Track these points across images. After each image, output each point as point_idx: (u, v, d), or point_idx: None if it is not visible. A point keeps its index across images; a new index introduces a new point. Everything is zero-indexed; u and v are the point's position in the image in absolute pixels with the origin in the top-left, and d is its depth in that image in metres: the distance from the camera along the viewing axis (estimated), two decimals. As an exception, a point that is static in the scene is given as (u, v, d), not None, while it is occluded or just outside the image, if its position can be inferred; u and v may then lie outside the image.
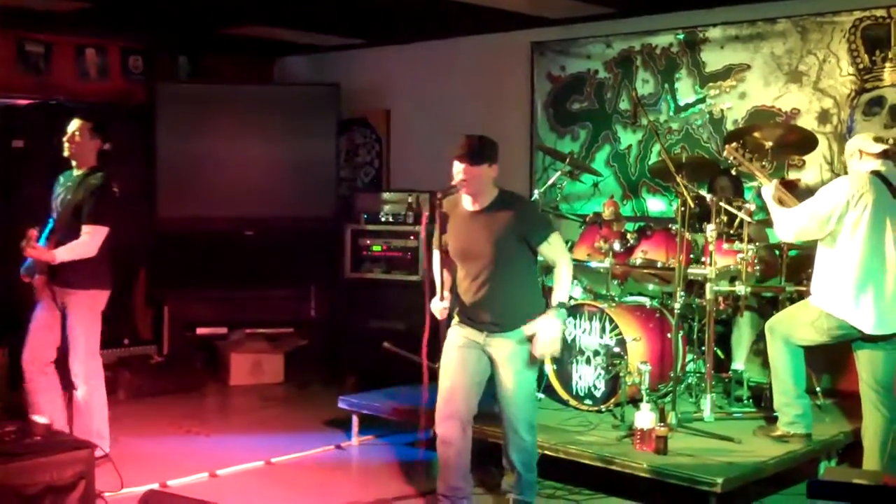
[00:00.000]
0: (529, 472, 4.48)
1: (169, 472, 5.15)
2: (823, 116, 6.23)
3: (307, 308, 8.29)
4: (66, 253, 5.09)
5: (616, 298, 5.78)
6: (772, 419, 5.14)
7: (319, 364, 7.85)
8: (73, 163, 5.37)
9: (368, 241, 7.58)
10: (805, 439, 4.95)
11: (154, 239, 7.95)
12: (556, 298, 4.33)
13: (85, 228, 5.14)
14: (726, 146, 5.40)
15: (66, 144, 5.35)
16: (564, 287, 4.37)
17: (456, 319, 4.48)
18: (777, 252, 5.68)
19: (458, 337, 4.44)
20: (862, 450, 4.83)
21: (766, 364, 5.64)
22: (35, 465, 4.05)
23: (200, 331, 7.96)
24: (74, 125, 5.36)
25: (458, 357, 4.41)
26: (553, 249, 4.35)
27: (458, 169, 4.26)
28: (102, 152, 5.44)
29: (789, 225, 4.87)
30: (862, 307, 4.66)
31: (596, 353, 5.55)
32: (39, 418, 4.44)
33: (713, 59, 6.68)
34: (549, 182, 6.26)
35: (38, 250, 5.09)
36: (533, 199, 6.07)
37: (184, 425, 6.31)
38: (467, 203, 4.37)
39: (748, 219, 5.38)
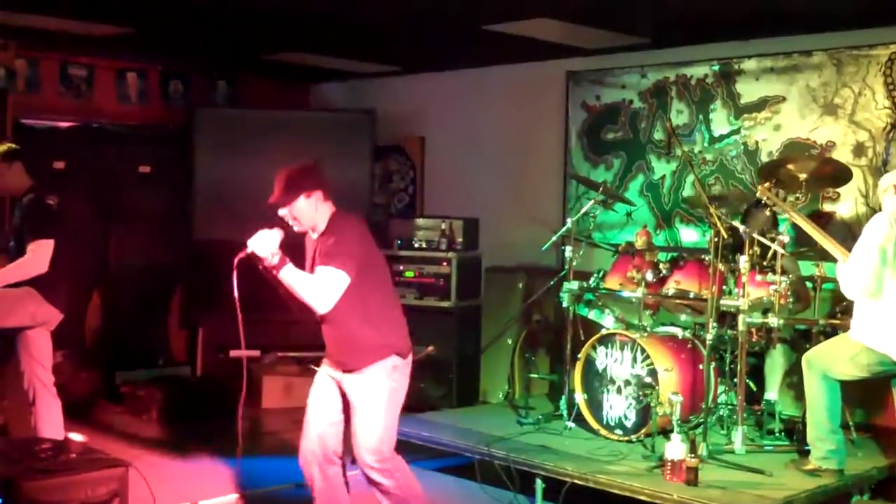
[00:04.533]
0: None
1: (199, 492, 5.18)
2: (858, 149, 6.22)
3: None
4: (10, 274, 5.08)
5: (648, 329, 5.77)
6: (804, 452, 5.10)
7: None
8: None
9: (401, 267, 7.61)
10: (837, 475, 4.90)
11: (189, 260, 8.05)
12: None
13: (28, 246, 5.11)
14: (759, 186, 5.38)
15: None
16: (305, 279, 4.04)
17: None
18: (810, 284, 5.66)
19: (323, 373, 4.36)
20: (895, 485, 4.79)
21: (798, 397, 5.63)
22: (70, 482, 4.09)
23: (234, 353, 8.02)
24: None
25: (319, 396, 4.33)
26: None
27: (282, 214, 4.12)
28: (54, 172, 5.43)
29: (853, 286, 4.72)
30: None
31: (627, 384, 5.54)
32: (75, 436, 4.50)
33: (748, 91, 6.69)
34: (582, 211, 6.28)
35: None
36: (564, 227, 6.07)
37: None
38: (311, 234, 4.27)
39: (781, 250, 5.36)
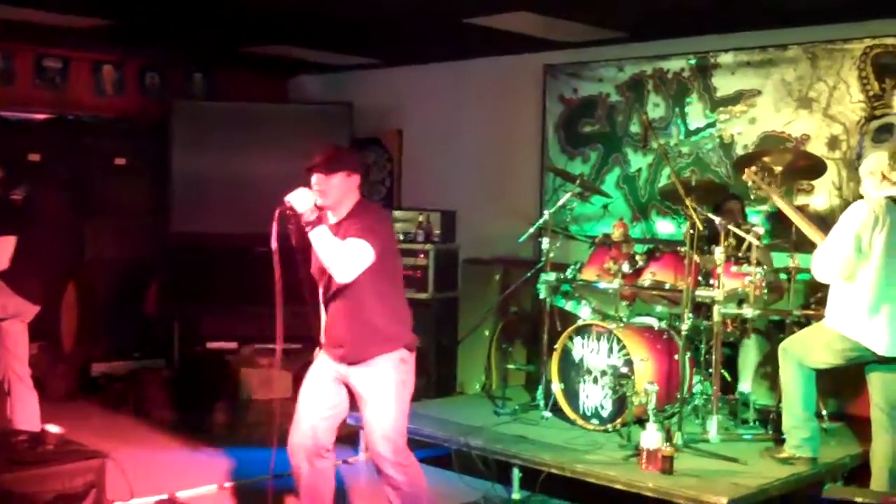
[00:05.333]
0: None
1: (178, 483, 5.18)
2: (833, 142, 6.28)
3: (317, 325, 8.32)
4: None
5: (624, 319, 5.82)
6: (779, 441, 5.15)
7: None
8: None
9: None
10: (811, 462, 4.96)
11: (166, 253, 8.04)
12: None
13: None
14: (745, 169, 5.42)
15: None
16: (334, 242, 3.98)
17: (321, 346, 4.31)
18: (785, 276, 5.72)
19: (320, 364, 4.29)
20: (868, 473, 4.84)
21: (772, 387, 5.69)
22: (47, 474, 4.10)
23: (211, 345, 8.03)
24: None
25: (314, 387, 4.26)
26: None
27: (314, 181, 4.06)
28: (29, 164, 5.39)
29: (825, 268, 4.79)
30: (876, 328, 4.67)
31: (603, 374, 5.58)
32: (52, 427, 4.49)
33: (724, 85, 6.74)
34: (559, 203, 6.30)
35: None
36: (541, 219, 6.11)
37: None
38: (330, 217, 4.14)
39: (756, 242, 5.42)
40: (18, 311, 5.24)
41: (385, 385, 4.10)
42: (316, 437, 4.24)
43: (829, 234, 4.78)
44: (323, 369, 4.26)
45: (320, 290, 4.27)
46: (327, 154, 4.10)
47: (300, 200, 3.94)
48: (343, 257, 3.92)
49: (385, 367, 4.10)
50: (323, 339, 4.29)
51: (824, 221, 5.89)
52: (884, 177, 4.79)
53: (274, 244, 4.00)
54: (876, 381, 4.79)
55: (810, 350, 4.92)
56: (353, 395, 4.24)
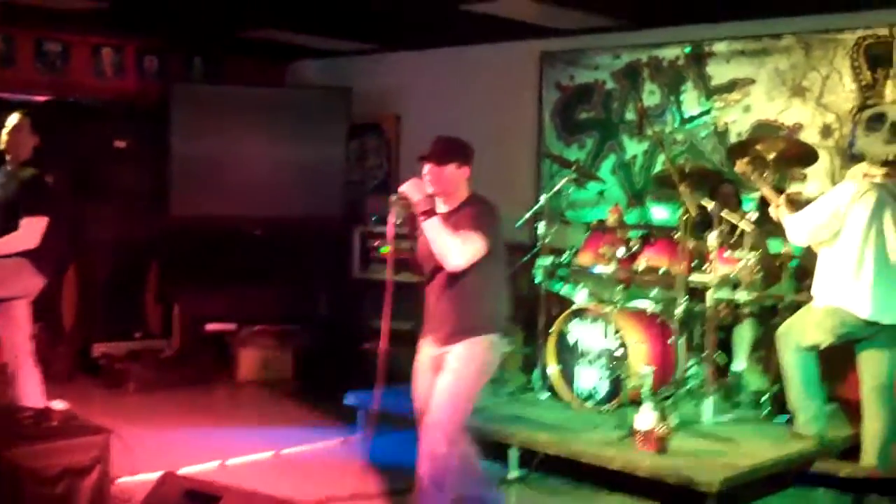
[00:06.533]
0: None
1: (180, 460, 5.26)
2: (826, 131, 6.36)
3: (315, 306, 8.43)
4: (2, 247, 5.12)
5: (619, 303, 5.91)
6: (772, 422, 5.34)
7: (327, 361, 7.97)
8: (7, 157, 5.38)
9: (376, 243, 7.70)
10: (819, 439, 5.12)
11: (165, 236, 8.09)
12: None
13: (22, 221, 5.14)
14: (737, 161, 5.51)
15: (4, 137, 5.38)
16: (447, 233, 4.02)
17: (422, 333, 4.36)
18: (778, 261, 5.81)
19: (424, 356, 4.35)
20: (859, 454, 4.97)
21: (766, 370, 5.80)
22: (53, 449, 4.14)
23: (210, 327, 8.10)
24: (16, 118, 5.40)
25: (424, 381, 4.31)
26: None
27: (426, 170, 4.17)
28: (37, 149, 5.47)
29: (801, 227, 5.05)
30: (860, 291, 4.86)
31: (599, 356, 5.68)
32: (57, 403, 4.56)
33: (719, 73, 6.82)
34: (555, 189, 6.39)
35: None
36: (538, 204, 6.19)
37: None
38: (440, 206, 4.21)
39: (749, 228, 5.51)
40: (36, 290, 5.32)
41: (468, 363, 4.16)
42: None
43: (813, 203, 4.97)
44: (425, 356, 4.34)
45: (427, 279, 4.32)
46: (440, 145, 4.23)
47: (413, 190, 4.07)
48: (455, 248, 4.02)
49: (475, 347, 4.17)
50: (425, 325, 4.35)
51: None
52: (865, 176, 5.04)
53: (390, 232, 4.18)
54: (866, 360, 4.94)
55: (803, 332, 5.08)
56: None
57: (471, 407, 4.24)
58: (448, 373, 4.15)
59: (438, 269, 4.15)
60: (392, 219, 4.16)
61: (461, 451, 4.27)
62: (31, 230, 5.16)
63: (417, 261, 4.33)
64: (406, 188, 4.09)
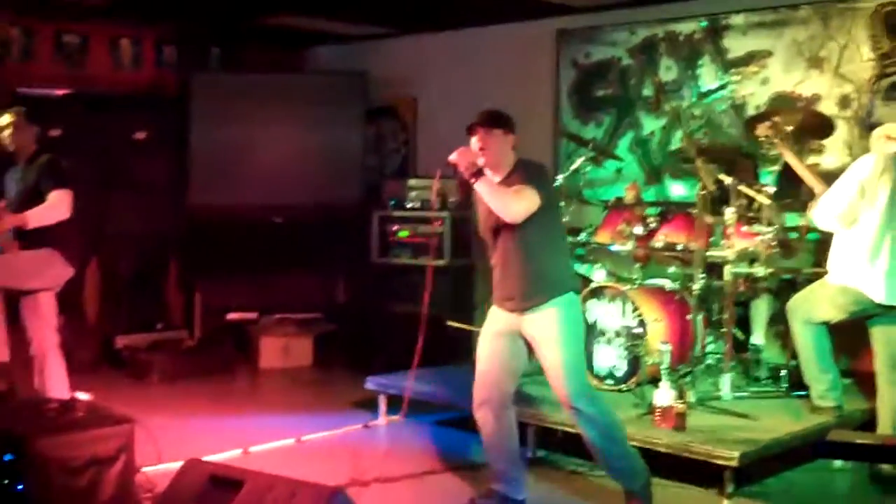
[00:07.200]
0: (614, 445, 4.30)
1: (203, 449, 5.30)
2: (844, 101, 6.30)
3: (335, 293, 8.47)
4: (37, 217, 5.13)
5: (637, 281, 5.89)
6: (788, 396, 5.32)
7: (347, 347, 8.02)
8: (17, 156, 5.42)
9: (395, 227, 7.72)
10: (836, 410, 5.12)
11: (186, 226, 8.15)
12: None
13: (50, 195, 5.17)
14: (759, 125, 5.46)
15: (6, 137, 5.40)
16: (500, 187, 4.17)
17: (493, 299, 4.42)
18: (796, 235, 5.77)
19: (492, 320, 4.41)
20: (876, 428, 4.95)
21: (784, 345, 5.77)
22: (79, 439, 4.17)
23: (231, 316, 8.15)
24: (8, 118, 5.42)
25: (491, 342, 4.38)
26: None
27: (475, 139, 4.23)
28: (47, 138, 5.50)
29: (827, 214, 4.94)
30: (875, 276, 4.81)
31: (617, 335, 5.67)
32: (82, 395, 4.62)
33: (736, 46, 6.76)
34: (573, 167, 6.37)
35: (7, 219, 5.15)
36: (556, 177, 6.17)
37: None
38: (491, 176, 4.27)
39: (766, 201, 5.47)
40: (64, 280, 5.38)
41: (559, 327, 4.23)
42: (501, 389, 4.38)
43: (837, 182, 4.89)
44: (496, 324, 4.40)
45: (490, 249, 4.40)
46: (486, 112, 4.35)
47: (462, 156, 4.16)
48: (511, 200, 4.10)
49: (556, 309, 4.23)
50: (494, 294, 4.41)
51: (834, 181, 5.95)
52: (888, 138, 4.92)
53: (434, 198, 4.29)
54: (878, 335, 4.91)
55: (815, 306, 5.05)
56: (528, 344, 4.38)
57: (583, 361, 4.39)
58: (549, 344, 4.22)
59: (500, 235, 4.26)
60: (436, 187, 4.32)
61: (506, 421, 4.40)
62: (61, 201, 5.20)
63: (479, 234, 4.43)
64: (454, 156, 4.17)
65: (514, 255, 4.27)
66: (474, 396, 4.42)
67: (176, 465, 4.71)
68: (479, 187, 4.13)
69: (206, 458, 5.12)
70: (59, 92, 7.87)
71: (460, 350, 7.50)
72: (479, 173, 4.13)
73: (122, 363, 7.63)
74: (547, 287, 4.25)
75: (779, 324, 5.87)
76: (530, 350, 4.34)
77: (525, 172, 4.22)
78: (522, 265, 4.25)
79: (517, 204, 4.10)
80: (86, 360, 7.41)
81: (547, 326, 4.24)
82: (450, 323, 6.51)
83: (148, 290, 8.26)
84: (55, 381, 5.37)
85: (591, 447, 4.33)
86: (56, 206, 5.19)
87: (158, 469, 4.79)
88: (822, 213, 4.96)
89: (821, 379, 5.13)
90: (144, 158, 8.19)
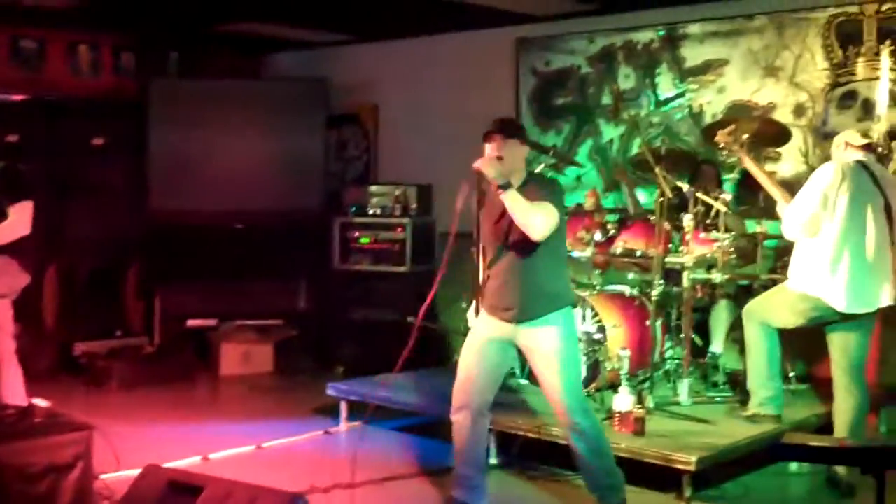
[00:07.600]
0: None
1: (162, 456, 5.26)
2: (799, 110, 6.40)
3: (296, 299, 8.44)
4: None
5: (597, 287, 5.94)
6: (746, 402, 5.30)
7: (308, 354, 8.00)
8: None
9: (356, 234, 7.72)
10: (774, 420, 5.12)
11: (145, 232, 8.09)
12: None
13: (10, 209, 5.06)
14: (719, 131, 5.52)
15: None
16: (527, 203, 4.11)
17: (483, 307, 4.41)
18: (753, 241, 5.85)
19: (483, 328, 4.39)
20: (832, 433, 5.00)
21: (742, 351, 5.80)
22: (36, 446, 4.14)
23: (191, 322, 8.11)
24: None
25: (479, 349, 4.36)
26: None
27: (491, 146, 4.21)
28: (4, 144, 5.40)
29: (792, 224, 4.92)
30: (836, 285, 4.79)
31: (577, 340, 5.70)
32: (39, 401, 4.57)
33: (693, 55, 6.85)
34: (533, 174, 6.39)
35: None
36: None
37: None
38: None
39: (724, 208, 5.55)
40: (20, 287, 5.31)
41: (559, 343, 4.25)
42: (482, 396, 4.38)
43: (799, 193, 4.93)
44: (487, 331, 4.38)
45: (488, 256, 4.41)
46: (503, 120, 4.36)
47: (489, 166, 4.13)
48: (536, 215, 4.09)
49: (557, 324, 4.26)
50: (487, 301, 4.39)
51: (791, 188, 6.03)
52: (847, 145, 4.97)
53: (459, 206, 4.25)
54: (836, 341, 4.93)
55: (773, 311, 5.07)
56: (521, 354, 4.43)
57: (580, 373, 4.48)
58: (549, 359, 4.24)
59: (505, 246, 4.26)
60: (461, 198, 4.22)
61: (480, 427, 4.41)
62: (22, 216, 5.10)
63: (481, 238, 4.40)
64: (481, 164, 4.15)
65: (517, 267, 4.26)
66: (454, 400, 4.42)
67: (135, 472, 4.68)
68: (508, 199, 4.09)
69: (164, 465, 5.12)
70: (17, 97, 7.80)
71: (429, 356, 7.54)
72: (507, 184, 4.11)
73: (81, 370, 7.56)
74: (548, 300, 4.27)
75: (736, 330, 5.94)
76: (522, 360, 4.36)
77: (541, 187, 4.23)
78: (526, 277, 4.25)
79: (543, 221, 4.10)
80: (44, 367, 7.33)
81: (546, 340, 4.26)
82: (410, 319, 6.52)
83: (107, 296, 8.19)
84: (11, 389, 5.30)
85: (581, 462, 4.37)
86: (17, 224, 5.10)
87: (117, 476, 4.77)
88: (787, 224, 4.95)
89: (767, 386, 5.13)
90: (103, 164, 8.13)
